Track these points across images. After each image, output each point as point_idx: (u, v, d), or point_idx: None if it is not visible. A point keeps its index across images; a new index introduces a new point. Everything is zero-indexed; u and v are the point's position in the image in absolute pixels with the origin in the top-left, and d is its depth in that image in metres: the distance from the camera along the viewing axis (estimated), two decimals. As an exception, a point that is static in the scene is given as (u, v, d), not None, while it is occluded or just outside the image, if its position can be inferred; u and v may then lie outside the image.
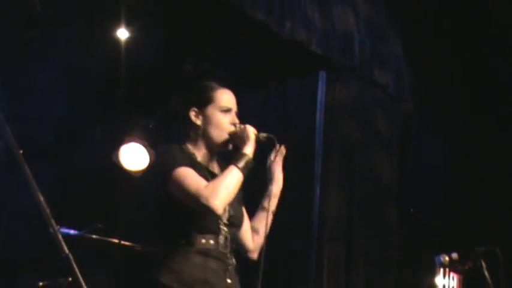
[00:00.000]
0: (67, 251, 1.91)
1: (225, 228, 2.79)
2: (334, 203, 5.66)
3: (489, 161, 6.45)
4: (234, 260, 2.85)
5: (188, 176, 2.71)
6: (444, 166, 6.78)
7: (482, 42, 6.10)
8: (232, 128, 2.89)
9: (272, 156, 2.97)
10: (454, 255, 3.54)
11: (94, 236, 4.86)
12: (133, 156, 5.93)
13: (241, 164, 2.74)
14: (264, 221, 2.93)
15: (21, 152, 1.95)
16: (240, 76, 6.31)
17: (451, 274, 6.39)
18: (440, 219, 6.50)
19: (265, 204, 2.99)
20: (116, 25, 5.41)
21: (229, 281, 2.78)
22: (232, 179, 2.71)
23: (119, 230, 5.28)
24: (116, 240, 5.07)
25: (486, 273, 3.37)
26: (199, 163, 2.85)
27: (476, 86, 6.30)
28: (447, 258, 3.55)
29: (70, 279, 1.94)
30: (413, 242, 6.24)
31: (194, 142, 2.90)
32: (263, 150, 2.94)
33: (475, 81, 6.30)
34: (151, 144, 5.95)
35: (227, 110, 2.91)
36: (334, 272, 5.54)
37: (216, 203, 2.63)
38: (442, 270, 6.29)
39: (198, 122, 2.89)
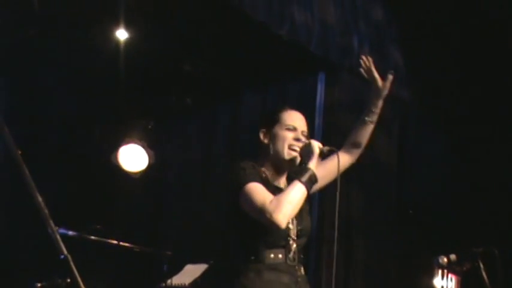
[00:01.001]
0: (66, 252, 1.91)
1: (293, 242, 2.88)
2: (333, 204, 5.64)
3: (488, 160, 6.45)
4: (302, 271, 2.94)
5: (256, 190, 2.79)
6: (442, 165, 6.78)
7: (480, 36, 6.10)
8: (295, 143, 2.97)
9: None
10: (453, 257, 3.54)
11: (93, 237, 4.87)
12: (133, 157, 5.95)
13: (305, 178, 2.82)
14: (364, 133, 3.30)
15: (20, 152, 1.95)
16: (240, 77, 6.32)
17: (449, 275, 6.40)
18: (438, 220, 6.50)
19: (368, 117, 3.25)
20: (115, 26, 5.41)
21: None
22: (295, 194, 2.79)
23: (117, 231, 5.28)
24: (115, 241, 5.08)
25: (484, 274, 3.38)
26: (268, 180, 2.94)
27: (476, 81, 6.30)
28: (445, 260, 3.55)
29: (68, 280, 1.93)
30: (411, 243, 6.24)
31: (263, 161, 3.00)
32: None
33: (474, 76, 6.29)
34: (150, 145, 5.97)
35: (293, 129, 3.00)
36: (332, 274, 5.54)
37: (280, 217, 2.71)
38: (440, 271, 6.30)
39: (266, 140, 3.01)
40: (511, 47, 6.02)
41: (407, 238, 6.19)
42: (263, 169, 2.96)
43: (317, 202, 5.57)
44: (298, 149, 2.94)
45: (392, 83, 3.23)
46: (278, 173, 3.00)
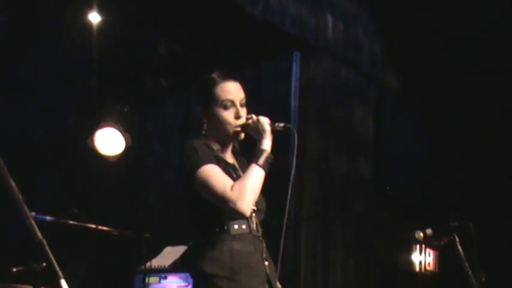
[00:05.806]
0: (40, 236, 1.90)
1: (253, 214, 2.83)
2: (311, 183, 5.68)
3: (463, 137, 6.50)
4: (264, 243, 2.89)
5: (213, 176, 2.70)
6: (418, 142, 6.84)
7: (455, 17, 6.13)
8: (238, 122, 2.84)
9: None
10: (429, 231, 3.57)
11: (71, 222, 4.84)
12: (109, 141, 5.92)
13: (262, 161, 2.75)
14: None
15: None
16: (214, 58, 6.30)
17: (427, 250, 6.47)
18: (415, 196, 6.57)
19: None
20: (88, 8, 5.37)
21: (266, 263, 2.83)
22: (256, 179, 2.73)
23: (96, 215, 5.26)
24: (93, 226, 5.06)
25: (459, 247, 3.41)
26: (219, 156, 2.84)
27: (449, 62, 6.34)
28: (422, 234, 3.58)
29: (44, 264, 1.93)
30: (389, 219, 6.29)
31: (208, 136, 2.88)
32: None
33: (449, 56, 6.34)
34: (126, 129, 5.94)
35: (230, 104, 2.84)
36: (311, 252, 5.58)
37: (244, 206, 2.67)
38: (418, 246, 6.36)
39: (207, 119, 2.88)
40: (487, 27, 6.07)
41: (385, 214, 6.24)
42: (211, 145, 2.85)
43: (296, 182, 5.59)
44: (240, 128, 2.83)
45: None
46: (224, 146, 2.90)
